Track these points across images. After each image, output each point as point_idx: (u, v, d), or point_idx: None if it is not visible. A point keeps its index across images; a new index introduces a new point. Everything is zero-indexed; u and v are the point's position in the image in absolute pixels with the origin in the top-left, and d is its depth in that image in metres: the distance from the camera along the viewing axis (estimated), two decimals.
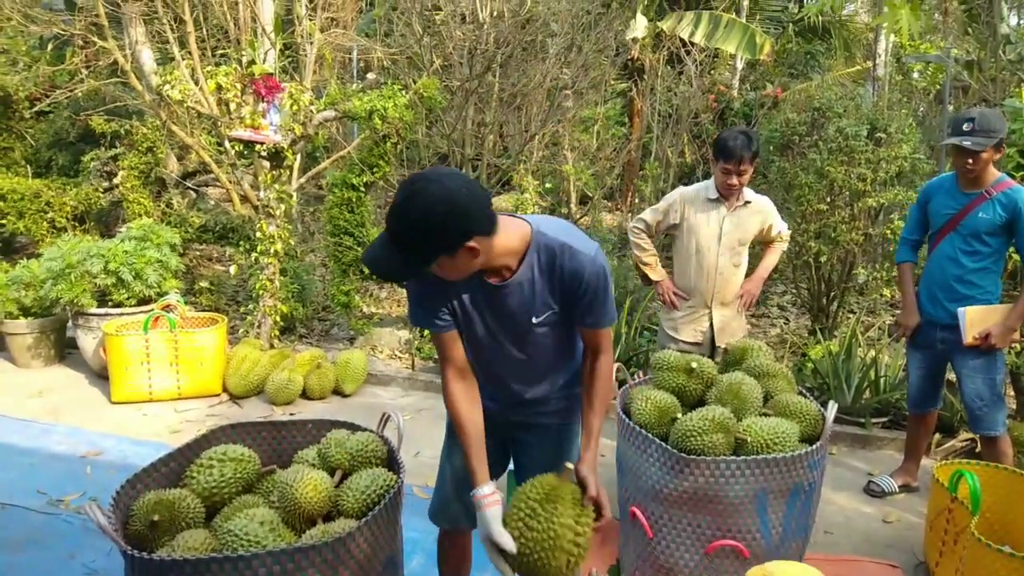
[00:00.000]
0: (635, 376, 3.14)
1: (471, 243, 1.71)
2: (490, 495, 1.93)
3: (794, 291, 6.22)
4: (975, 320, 3.23)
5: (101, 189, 7.60)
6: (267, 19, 5.97)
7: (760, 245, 3.71)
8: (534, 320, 1.96)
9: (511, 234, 1.85)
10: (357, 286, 5.87)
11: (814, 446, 2.55)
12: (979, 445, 3.95)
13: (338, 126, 7.92)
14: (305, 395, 4.91)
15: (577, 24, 6.88)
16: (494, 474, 2.13)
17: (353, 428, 2.48)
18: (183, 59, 5.49)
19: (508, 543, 1.83)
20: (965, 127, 3.12)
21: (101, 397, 4.88)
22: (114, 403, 4.75)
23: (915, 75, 11.09)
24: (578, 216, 8.39)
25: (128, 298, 5.09)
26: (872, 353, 4.74)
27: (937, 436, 4.20)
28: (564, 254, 1.87)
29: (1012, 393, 4.45)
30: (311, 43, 5.86)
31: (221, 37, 6.69)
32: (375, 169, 5.53)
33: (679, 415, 2.68)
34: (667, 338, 3.62)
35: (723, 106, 8.68)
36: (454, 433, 2.12)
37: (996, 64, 6.69)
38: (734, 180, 3.34)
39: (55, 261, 5.06)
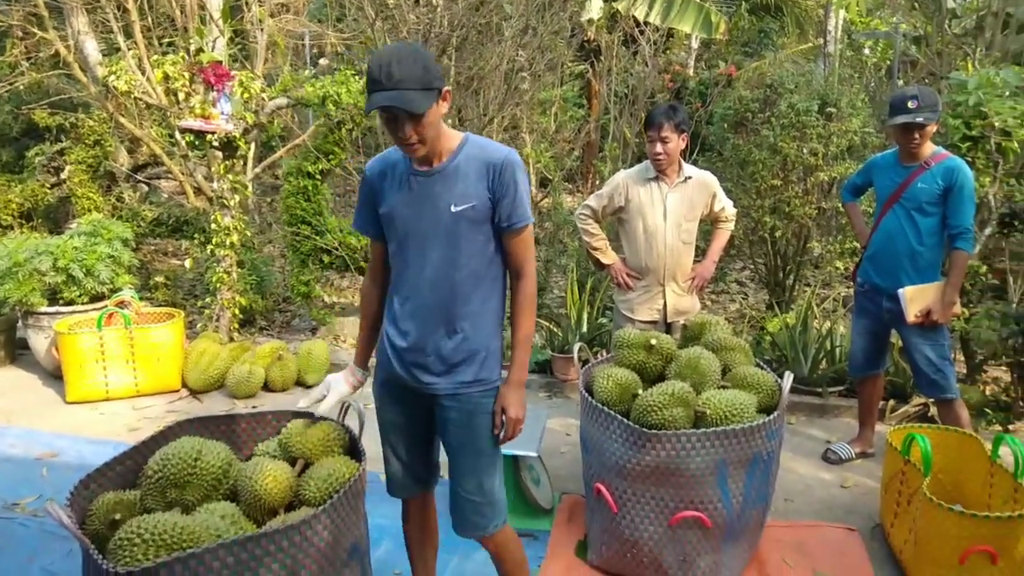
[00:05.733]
0: (598, 356, 3.16)
1: (447, 88, 1.97)
2: (356, 374, 2.36)
3: (752, 267, 6.31)
4: (914, 298, 3.33)
5: (48, 185, 7.39)
6: (215, 6, 5.82)
7: (711, 224, 3.74)
8: (453, 209, 2.05)
9: (449, 131, 2.11)
10: (317, 276, 5.80)
11: (771, 416, 2.60)
12: (933, 410, 4.08)
13: (293, 114, 7.79)
14: (267, 387, 4.85)
15: (532, 5, 6.83)
16: (427, 479, 2.40)
17: (314, 418, 2.46)
18: (129, 49, 5.34)
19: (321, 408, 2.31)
20: (911, 104, 3.22)
21: (56, 397, 4.77)
22: (69, 403, 4.64)
23: (865, 51, 11.25)
24: (539, 198, 8.39)
25: (80, 295, 4.96)
26: (827, 324, 4.83)
27: (891, 402, 4.31)
28: (489, 147, 2.11)
29: (962, 358, 4.58)
30: (261, 30, 5.76)
31: (168, 25, 6.52)
32: (331, 156, 5.46)
33: (640, 391, 2.71)
34: (623, 319, 3.62)
35: (679, 85, 8.73)
36: (384, 412, 2.31)
37: (942, 38, 6.82)
38: (658, 148, 3.36)
39: (2, 260, 4.90)
